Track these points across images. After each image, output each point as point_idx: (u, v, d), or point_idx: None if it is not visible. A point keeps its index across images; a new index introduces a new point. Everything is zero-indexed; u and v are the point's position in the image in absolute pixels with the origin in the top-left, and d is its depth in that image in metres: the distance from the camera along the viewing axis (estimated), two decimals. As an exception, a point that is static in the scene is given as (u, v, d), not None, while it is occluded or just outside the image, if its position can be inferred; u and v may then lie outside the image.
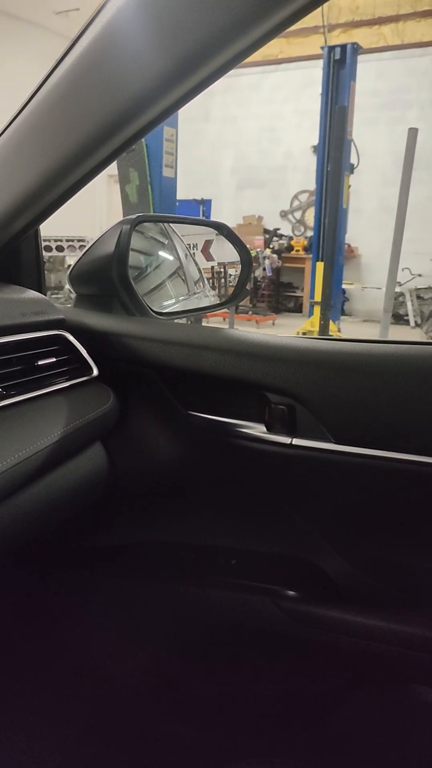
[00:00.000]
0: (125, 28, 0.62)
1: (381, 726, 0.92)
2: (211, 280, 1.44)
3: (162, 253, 1.26)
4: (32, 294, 0.89)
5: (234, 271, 1.34)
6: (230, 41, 0.59)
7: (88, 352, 0.88)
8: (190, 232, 1.31)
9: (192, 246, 1.32)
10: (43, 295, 0.91)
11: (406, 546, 0.85)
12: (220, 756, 0.69)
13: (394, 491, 0.81)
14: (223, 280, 1.49)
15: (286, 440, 0.83)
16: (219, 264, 1.44)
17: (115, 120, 0.68)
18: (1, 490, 0.64)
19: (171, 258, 1.26)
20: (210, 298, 1.36)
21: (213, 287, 1.45)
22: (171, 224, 1.26)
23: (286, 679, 0.98)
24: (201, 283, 1.35)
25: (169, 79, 0.63)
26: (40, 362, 0.81)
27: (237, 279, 1.17)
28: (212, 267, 1.43)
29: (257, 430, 0.86)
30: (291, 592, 0.91)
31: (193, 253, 1.33)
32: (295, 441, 0.83)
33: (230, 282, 1.44)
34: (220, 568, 0.96)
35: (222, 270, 1.46)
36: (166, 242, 1.25)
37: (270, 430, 0.86)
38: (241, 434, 0.87)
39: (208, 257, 1.40)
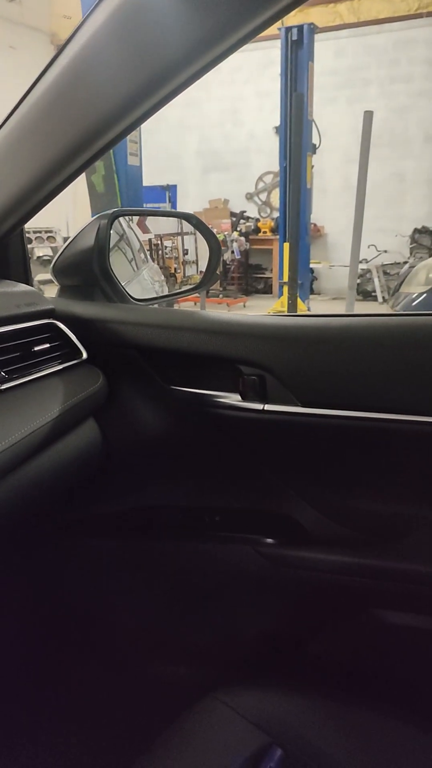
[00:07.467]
0: (103, 47, 0.71)
1: (350, 647, 1.05)
2: (149, 252, 1.41)
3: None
4: (23, 287, 0.98)
5: (170, 243, 1.32)
6: (199, 55, 0.68)
7: (77, 338, 0.98)
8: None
9: (128, 219, 1.29)
10: (32, 288, 1.00)
11: (367, 493, 0.98)
12: (215, 687, 0.80)
13: (355, 446, 0.93)
14: (160, 252, 1.46)
15: (259, 407, 0.94)
16: (156, 236, 1.41)
17: (95, 129, 0.77)
18: (14, 458, 0.74)
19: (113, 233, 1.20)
20: (153, 268, 1.33)
21: (153, 259, 1.41)
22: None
23: (269, 614, 1.10)
24: (143, 253, 1.33)
25: (144, 91, 0.72)
26: (36, 348, 0.90)
27: (206, 264, 1.25)
28: (149, 240, 1.40)
29: (233, 399, 0.97)
30: (269, 540, 1.03)
31: (129, 226, 1.30)
32: (267, 407, 0.94)
33: (167, 254, 1.43)
34: (206, 524, 1.08)
35: (159, 242, 1.44)
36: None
37: (244, 398, 0.96)
38: (219, 404, 0.98)
39: (144, 229, 1.37)
